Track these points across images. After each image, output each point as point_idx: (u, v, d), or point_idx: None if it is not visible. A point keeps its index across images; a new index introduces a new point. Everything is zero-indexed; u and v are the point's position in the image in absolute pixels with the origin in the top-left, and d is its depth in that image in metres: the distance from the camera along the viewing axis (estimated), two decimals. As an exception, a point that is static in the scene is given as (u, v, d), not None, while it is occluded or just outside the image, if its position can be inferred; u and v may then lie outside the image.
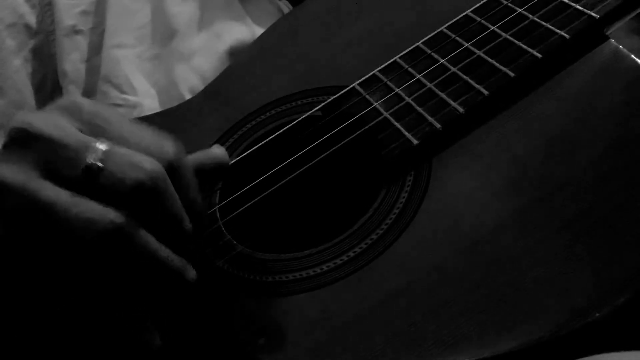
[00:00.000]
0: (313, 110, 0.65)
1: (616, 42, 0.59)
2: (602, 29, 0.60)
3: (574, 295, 0.48)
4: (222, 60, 0.78)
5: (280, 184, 0.61)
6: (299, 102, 0.67)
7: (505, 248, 0.51)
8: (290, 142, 0.63)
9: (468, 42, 0.62)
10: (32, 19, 0.82)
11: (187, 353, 0.53)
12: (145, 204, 0.47)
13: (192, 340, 0.53)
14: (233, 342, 0.53)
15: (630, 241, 0.49)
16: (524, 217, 0.52)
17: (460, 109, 0.59)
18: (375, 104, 0.62)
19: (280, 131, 0.64)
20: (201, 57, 0.79)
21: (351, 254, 0.55)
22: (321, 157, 0.61)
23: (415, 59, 0.64)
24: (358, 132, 0.61)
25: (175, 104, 0.75)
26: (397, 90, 0.62)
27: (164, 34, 0.81)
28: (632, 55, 0.57)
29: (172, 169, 0.48)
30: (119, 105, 0.78)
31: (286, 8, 0.82)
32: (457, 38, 0.63)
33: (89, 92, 0.81)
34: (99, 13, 0.83)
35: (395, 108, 0.61)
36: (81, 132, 0.48)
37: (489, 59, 0.60)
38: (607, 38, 0.59)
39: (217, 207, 0.61)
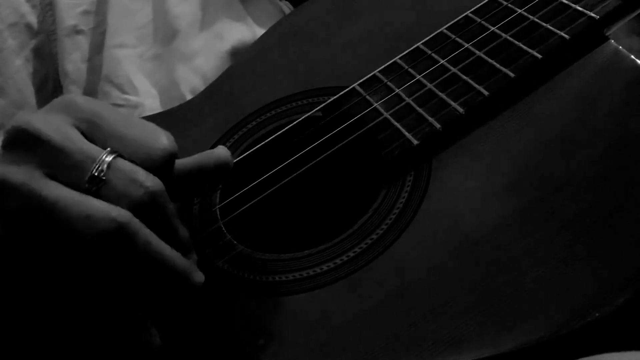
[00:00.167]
0: (313, 111, 0.65)
1: (616, 42, 0.59)
2: (602, 29, 0.60)
3: (574, 295, 0.48)
4: (223, 60, 0.78)
5: (280, 184, 0.61)
6: (300, 103, 0.67)
7: (505, 248, 0.51)
8: (290, 143, 0.63)
9: (468, 43, 0.63)
10: (33, 19, 0.82)
11: (187, 353, 0.53)
12: (144, 217, 0.47)
13: (192, 341, 0.54)
14: (233, 342, 0.53)
15: (630, 241, 0.49)
16: (524, 217, 0.52)
17: (460, 110, 0.59)
18: (376, 104, 0.62)
19: (281, 132, 0.64)
20: (202, 58, 0.79)
21: (351, 254, 0.55)
22: (321, 157, 0.61)
23: (415, 59, 0.64)
24: (358, 133, 0.61)
25: (176, 104, 0.75)
26: (397, 90, 0.62)
27: (165, 34, 0.81)
28: (632, 56, 0.57)
29: (168, 163, 0.49)
30: (120, 106, 0.78)
31: (287, 9, 0.82)
32: (457, 39, 0.63)
33: (90, 92, 0.81)
34: (100, 13, 0.83)
35: (395, 108, 0.61)
36: (78, 129, 0.48)
37: (489, 60, 0.61)
38: (607, 39, 0.59)
39: (217, 207, 0.61)
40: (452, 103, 0.59)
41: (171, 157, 0.50)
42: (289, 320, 0.53)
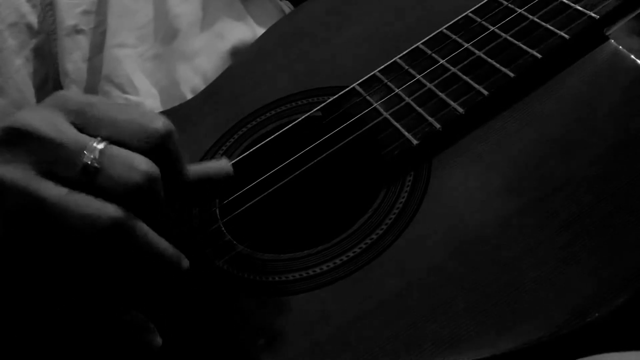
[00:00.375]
0: (313, 111, 0.65)
1: (616, 42, 0.59)
2: (602, 29, 0.60)
3: (574, 295, 0.48)
4: (224, 60, 0.78)
5: (280, 184, 0.61)
6: (299, 103, 0.67)
7: (505, 248, 0.51)
8: (290, 143, 0.63)
9: (468, 43, 0.63)
10: (33, 19, 0.82)
11: (187, 353, 0.53)
12: (141, 203, 0.47)
13: (192, 341, 0.54)
14: (233, 342, 0.53)
15: (629, 241, 0.49)
16: (523, 217, 0.52)
17: (460, 109, 0.59)
18: (375, 104, 0.62)
19: (280, 131, 0.64)
20: (203, 57, 0.79)
21: (351, 254, 0.55)
22: (321, 157, 0.61)
23: (415, 59, 0.64)
24: (358, 133, 0.61)
25: (177, 103, 0.75)
26: (397, 90, 0.62)
27: (166, 33, 0.81)
28: (632, 56, 0.57)
29: (164, 144, 0.49)
30: (121, 105, 0.78)
31: (287, 8, 0.82)
32: (457, 38, 0.63)
33: (91, 91, 0.81)
34: (100, 12, 0.83)
35: (395, 108, 0.61)
36: (73, 124, 0.48)
37: (489, 60, 0.60)
38: (607, 38, 0.59)
39: (217, 207, 0.61)
40: (452, 103, 0.59)
41: (168, 136, 0.49)
42: (288, 320, 0.53)
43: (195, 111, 0.72)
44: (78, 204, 0.45)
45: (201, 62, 0.79)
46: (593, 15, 0.59)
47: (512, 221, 0.52)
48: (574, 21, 0.60)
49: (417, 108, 0.60)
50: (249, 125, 0.68)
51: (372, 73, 0.65)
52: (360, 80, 0.65)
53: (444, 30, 0.65)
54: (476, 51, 0.62)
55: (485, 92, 0.59)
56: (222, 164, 0.54)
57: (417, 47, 0.65)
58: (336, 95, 0.65)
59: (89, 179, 0.46)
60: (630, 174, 0.52)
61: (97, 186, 0.46)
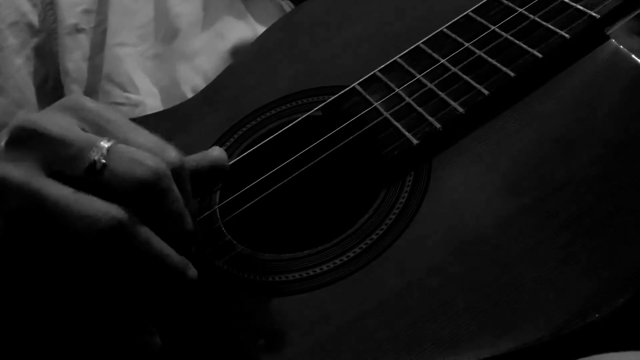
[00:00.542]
0: (313, 110, 0.65)
1: (617, 42, 0.58)
2: (602, 29, 0.59)
3: (574, 296, 0.48)
4: (224, 59, 0.78)
5: (280, 184, 0.61)
6: (299, 102, 0.67)
7: (505, 249, 0.51)
8: (290, 142, 0.63)
9: (468, 42, 0.62)
10: (34, 18, 0.82)
11: (187, 353, 0.53)
12: (148, 201, 0.47)
13: (192, 341, 0.54)
14: (233, 342, 0.53)
15: (630, 241, 0.49)
16: (523, 218, 0.52)
17: (461, 109, 0.59)
18: (376, 104, 0.62)
19: (280, 131, 0.64)
20: (204, 57, 0.79)
21: (351, 254, 0.55)
22: (321, 157, 0.61)
23: (415, 58, 0.64)
24: (358, 132, 0.61)
25: (177, 103, 0.75)
26: (397, 90, 0.62)
27: (166, 33, 0.81)
28: (633, 55, 0.57)
29: (174, 172, 0.48)
30: (121, 104, 0.78)
31: (288, 7, 0.82)
32: (458, 38, 0.63)
33: (91, 90, 0.81)
34: (101, 12, 0.83)
35: (395, 108, 0.61)
36: (84, 131, 0.48)
37: (490, 59, 0.60)
38: (607, 38, 0.59)
39: (217, 207, 0.61)
40: (452, 103, 0.59)
41: (177, 171, 0.49)
42: (288, 321, 0.53)
43: (195, 111, 0.72)
44: (80, 204, 0.45)
45: (202, 61, 0.79)
46: (594, 14, 0.59)
47: (512, 221, 0.52)
48: (575, 21, 0.60)
49: (418, 108, 0.60)
50: (249, 125, 0.68)
51: (372, 72, 0.65)
52: (361, 80, 0.64)
53: (445, 30, 0.65)
54: (477, 51, 0.62)
55: (486, 92, 0.59)
56: (215, 154, 0.54)
57: (418, 46, 0.65)
58: (336, 95, 0.64)
59: (95, 176, 0.46)
60: (631, 174, 0.52)
61: (103, 183, 0.46)
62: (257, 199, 0.61)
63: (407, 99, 0.61)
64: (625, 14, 0.60)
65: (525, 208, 0.52)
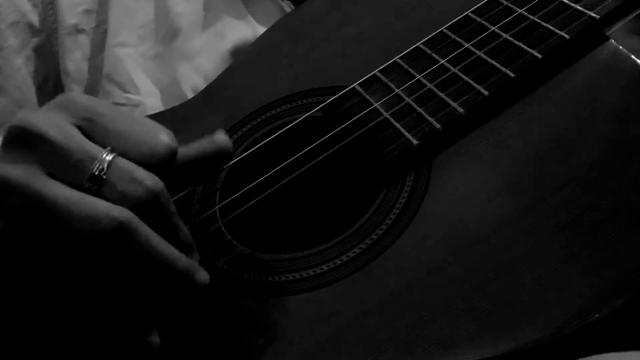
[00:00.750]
0: (313, 111, 0.65)
1: (616, 42, 0.58)
2: (602, 29, 0.59)
3: (574, 296, 0.48)
4: (224, 59, 0.78)
5: (280, 184, 0.61)
6: (299, 102, 0.67)
7: (505, 249, 0.51)
8: (290, 143, 0.63)
9: (468, 43, 0.62)
10: (34, 18, 0.82)
11: (186, 353, 0.53)
12: (146, 216, 0.47)
13: (191, 341, 0.54)
14: (232, 342, 0.53)
15: (630, 242, 0.49)
16: (524, 218, 0.52)
17: (460, 110, 0.59)
18: (376, 104, 0.62)
19: (280, 131, 0.64)
20: (204, 57, 0.79)
21: (351, 254, 0.55)
22: (321, 157, 0.61)
23: (415, 59, 0.64)
24: (358, 133, 0.61)
25: (177, 103, 0.75)
26: (397, 90, 0.62)
27: (167, 33, 0.81)
28: (632, 56, 0.57)
29: (169, 160, 0.49)
30: (122, 104, 0.78)
31: (288, 7, 0.82)
32: (457, 38, 0.63)
33: (92, 90, 0.81)
34: (101, 12, 0.83)
35: (395, 108, 0.61)
36: (79, 127, 0.48)
37: (489, 60, 0.60)
38: (607, 38, 0.59)
39: (217, 207, 0.61)
40: (452, 103, 0.59)
41: (172, 154, 0.50)
42: (288, 320, 0.53)
43: (195, 111, 0.72)
44: (81, 204, 0.45)
45: (202, 61, 0.79)
46: (593, 15, 0.59)
47: (512, 221, 0.52)
48: (574, 21, 0.60)
49: (417, 108, 0.60)
50: (249, 125, 0.68)
51: (372, 73, 0.65)
52: (361, 80, 0.64)
53: (444, 30, 0.65)
54: (476, 51, 0.62)
55: (486, 92, 0.59)
56: (221, 138, 0.54)
57: (418, 47, 0.65)
58: (336, 95, 0.64)
59: (94, 188, 0.46)
60: (631, 174, 0.52)
61: (102, 196, 0.46)
62: (257, 199, 0.61)
63: (407, 99, 0.61)
64: (625, 14, 0.60)
65: (525, 208, 0.52)
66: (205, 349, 0.53)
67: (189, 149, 0.53)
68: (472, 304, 0.49)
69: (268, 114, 0.68)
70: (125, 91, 0.79)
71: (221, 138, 0.54)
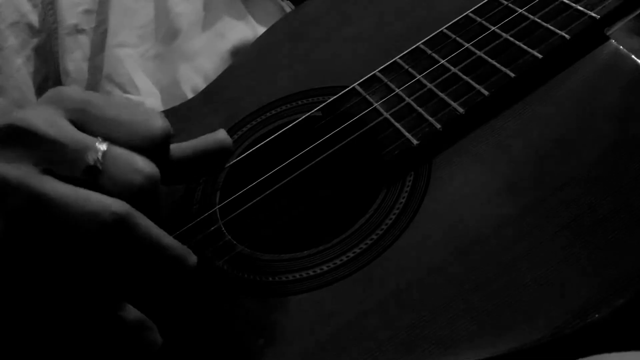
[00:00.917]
0: (313, 111, 0.65)
1: (616, 42, 0.58)
2: (602, 29, 0.59)
3: (574, 296, 0.48)
4: (224, 60, 0.78)
5: (280, 184, 0.61)
6: (299, 103, 0.67)
7: (505, 249, 0.51)
8: (290, 143, 0.63)
9: (468, 43, 0.62)
10: (34, 18, 0.82)
11: (186, 353, 0.53)
12: (142, 203, 0.47)
13: (191, 341, 0.54)
14: (232, 342, 0.53)
15: (630, 242, 0.49)
16: (524, 218, 0.52)
17: (461, 110, 0.59)
18: (376, 104, 0.62)
19: (280, 132, 0.64)
20: (204, 57, 0.79)
21: (351, 254, 0.55)
22: (321, 157, 0.61)
23: (415, 59, 0.64)
24: (358, 133, 0.61)
25: (178, 103, 0.75)
26: (397, 90, 0.62)
27: (167, 33, 0.81)
28: (633, 56, 0.57)
29: (163, 144, 0.49)
30: (122, 104, 0.78)
31: (288, 8, 0.82)
32: (458, 38, 0.63)
33: (92, 91, 0.81)
34: (101, 12, 0.83)
35: (395, 108, 0.61)
36: (72, 122, 0.48)
37: (490, 60, 0.60)
38: (607, 38, 0.59)
39: (217, 207, 0.61)
40: (452, 103, 0.59)
41: (166, 137, 0.50)
42: (288, 321, 0.53)
43: (195, 111, 0.72)
44: (79, 200, 0.45)
45: (202, 61, 0.79)
46: (593, 15, 0.59)
47: (513, 221, 0.52)
48: (575, 21, 0.60)
49: (418, 108, 0.60)
50: (249, 125, 0.68)
51: (372, 73, 0.65)
52: (361, 80, 0.64)
53: (445, 30, 0.65)
54: (477, 51, 0.62)
55: (486, 92, 0.59)
56: (221, 136, 0.54)
57: (418, 47, 0.65)
58: (336, 95, 0.64)
59: (91, 179, 0.46)
60: (631, 174, 0.52)
61: (99, 187, 0.46)
62: (257, 199, 0.61)
63: (407, 99, 0.61)
64: (625, 14, 0.60)
65: (526, 208, 0.52)
66: (205, 349, 0.53)
67: (190, 144, 0.53)
68: (472, 304, 0.49)
69: (268, 114, 0.68)
70: (125, 91, 0.79)
71: (222, 134, 0.54)
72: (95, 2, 0.83)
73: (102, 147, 0.47)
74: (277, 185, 0.61)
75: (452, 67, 0.61)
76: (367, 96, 0.63)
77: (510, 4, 0.63)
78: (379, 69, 0.65)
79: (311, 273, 0.55)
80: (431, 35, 0.65)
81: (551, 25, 0.60)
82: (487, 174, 0.56)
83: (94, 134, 0.48)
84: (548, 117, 0.57)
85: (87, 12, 0.83)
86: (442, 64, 0.62)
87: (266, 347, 0.52)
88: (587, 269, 0.49)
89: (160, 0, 0.82)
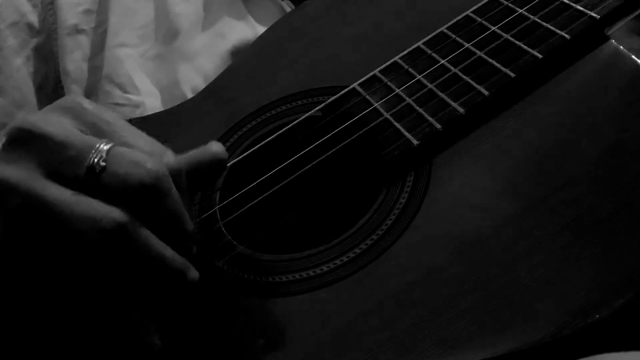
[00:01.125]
0: (313, 111, 0.65)
1: (617, 42, 0.58)
2: (602, 29, 0.59)
3: (575, 296, 0.48)
4: (224, 60, 0.78)
5: (280, 184, 0.61)
6: (299, 103, 0.67)
7: (505, 249, 0.51)
8: (290, 143, 0.63)
9: (468, 43, 0.62)
10: (34, 18, 0.82)
11: (186, 354, 0.53)
12: (148, 202, 0.47)
13: (191, 341, 0.54)
14: (232, 342, 0.53)
15: (630, 242, 0.49)
16: (524, 218, 0.52)
17: (461, 110, 0.59)
18: (376, 104, 0.62)
19: (280, 132, 0.64)
20: (204, 57, 0.79)
21: (351, 254, 0.55)
22: (321, 157, 0.61)
23: (415, 59, 0.64)
24: (358, 133, 0.61)
25: (177, 103, 0.75)
26: (397, 90, 0.62)
27: (167, 33, 0.81)
28: (633, 56, 0.57)
29: (172, 173, 0.49)
30: (122, 105, 0.78)
31: (288, 7, 0.82)
32: (458, 38, 0.63)
33: (91, 91, 0.81)
34: (101, 12, 0.83)
35: (395, 108, 0.61)
36: (81, 132, 0.48)
37: (490, 60, 0.60)
38: (607, 38, 0.59)
39: (217, 207, 0.61)
40: (453, 103, 0.59)
41: (175, 175, 0.49)
42: (289, 321, 0.53)
43: (195, 111, 0.72)
44: (80, 205, 0.45)
45: (202, 62, 0.79)
46: (594, 15, 0.59)
47: (513, 221, 0.52)
48: (575, 21, 0.60)
49: (418, 108, 0.60)
50: (249, 125, 0.68)
51: (372, 73, 0.65)
52: (361, 80, 0.64)
53: (445, 30, 0.65)
54: (477, 51, 0.62)
55: (486, 92, 0.59)
56: (214, 148, 0.53)
57: (418, 47, 0.65)
58: (336, 95, 0.64)
59: (95, 178, 0.46)
60: (631, 174, 0.52)
61: (103, 185, 0.46)
62: (257, 199, 0.61)
63: (407, 100, 0.61)
64: (625, 14, 0.60)
65: (526, 208, 0.52)
66: (205, 349, 0.53)
67: (183, 159, 0.52)
68: (473, 304, 0.49)
69: (268, 114, 0.68)
70: (125, 91, 0.79)
71: (216, 147, 0.54)
72: (95, 2, 0.83)
73: (106, 146, 0.47)
74: (277, 186, 0.61)
75: (452, 67, 0.61)
76: (367, 96, 0.63)
77: (510, 4, 0.63)
78: (379, 69, 0.65)
79: (311, 273, 0.55)
80: (431, 35, 0.65)
81: (551, 25, 0.60)
82: (487, 174, 0.56)
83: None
84: (548, 117, 0.57)
85: (87, 12, 0.83)
86: (442, 64, 0.62)
87: (266, 348, 0.52)
88: (587, 269, 0.49)
89: (160, 1, 0.82)
